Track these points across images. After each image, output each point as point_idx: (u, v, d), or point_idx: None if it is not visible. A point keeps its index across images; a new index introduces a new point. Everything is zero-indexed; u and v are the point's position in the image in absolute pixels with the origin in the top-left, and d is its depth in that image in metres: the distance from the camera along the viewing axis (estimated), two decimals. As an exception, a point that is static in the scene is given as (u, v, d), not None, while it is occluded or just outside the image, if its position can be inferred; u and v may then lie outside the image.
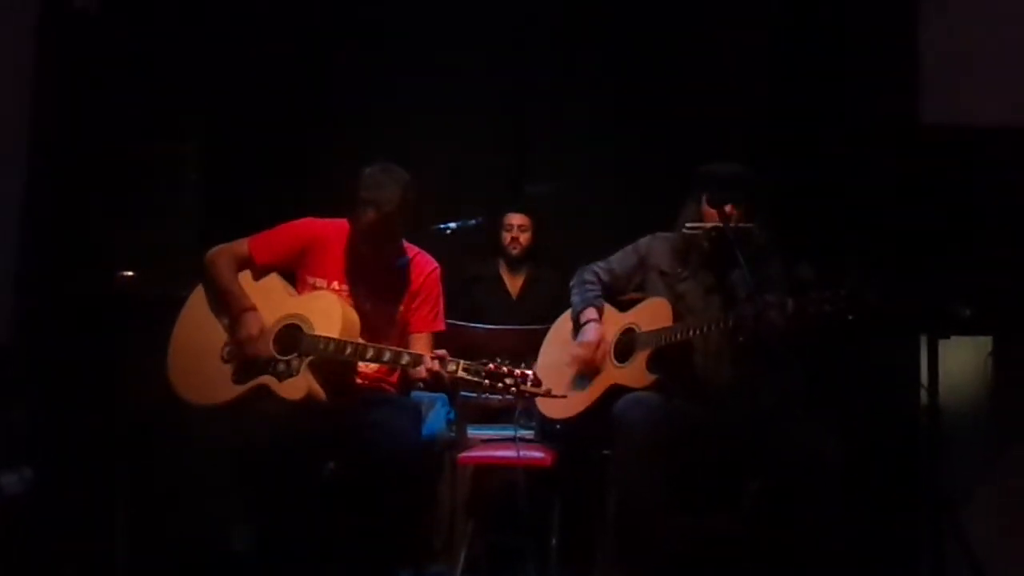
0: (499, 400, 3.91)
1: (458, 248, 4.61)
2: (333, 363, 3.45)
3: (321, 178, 4.49)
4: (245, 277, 3.61)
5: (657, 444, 3.41)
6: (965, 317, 3.82)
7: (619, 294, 3.82)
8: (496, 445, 4.01)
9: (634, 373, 3.60)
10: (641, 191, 4.76)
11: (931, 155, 4.12)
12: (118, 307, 4.15)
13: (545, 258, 4.92)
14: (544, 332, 3.95)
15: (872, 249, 4.25)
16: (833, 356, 4.14)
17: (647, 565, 3.44)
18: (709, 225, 3.60)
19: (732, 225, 3.54)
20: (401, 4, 5.07)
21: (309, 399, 3.39)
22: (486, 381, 3.28)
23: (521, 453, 3.77)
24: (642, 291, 3.77)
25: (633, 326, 3.68)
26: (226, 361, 3.52)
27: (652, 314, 3.65)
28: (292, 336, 3.47)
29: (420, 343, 3.58)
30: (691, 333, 3.52)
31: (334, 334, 3.42)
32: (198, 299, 3.64)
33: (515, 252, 4.89)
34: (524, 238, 4.89)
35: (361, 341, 3.45)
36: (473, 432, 4.14)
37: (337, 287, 3.59)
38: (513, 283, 4.93)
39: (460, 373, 3.31)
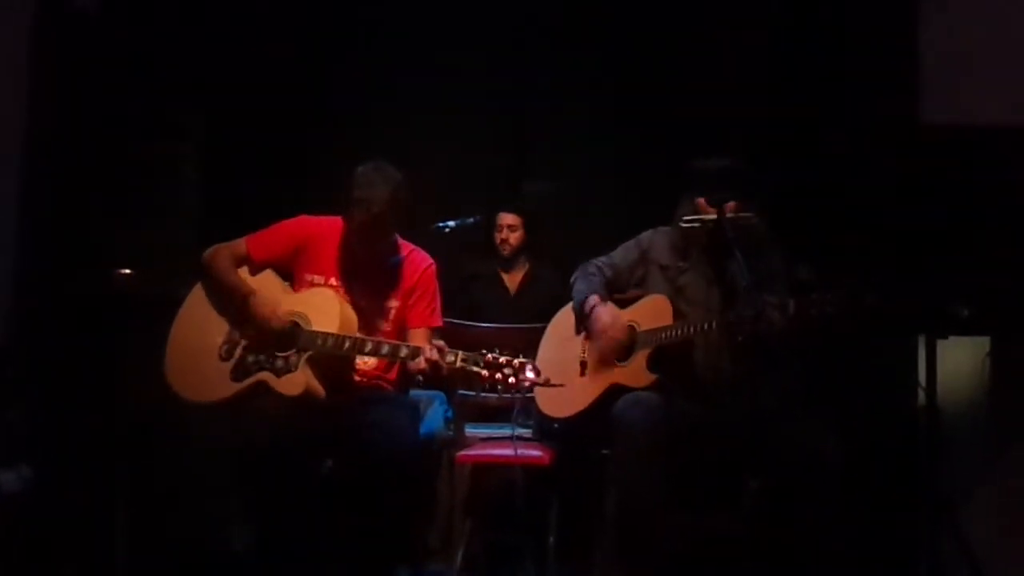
0: (497, 398, 3.91)
1: (457, 246, 4.61)
2: (331, 359, 3.45)
3: (321, 178, 4.45)
4: (243, 273, 3.61)
5: (657, 444, 3.41)
6: (963, 317, 3.82)
7: (621, 290, 3.80)
8: (494, 444, 4.00)
9: (634, 372, 3.60)
10: (641, 191, 4.75)
11: (931, 155, 4.13)
12: (117, 306, 4.15)
13: (544, 257, 4.92)
14: (543, 330, 3.94)
15: (872, 249, 4.25)
16: (833, 356, 4.14)
17: (646, 564, 3.44)
18: (707, 217, 3.59)
19: (730, 216, 3.53)
20: (401, 4, 5.07)
21: (307, 395, 3.40)
22: (484, 371, 3.28)
23: (519, 452, 3.76)
24: (643, 285, 3.76)
25: (633, 324, 3.67)
26: (224, 359, 3.52)
27: (652, 312, 3.65)
28: (290, 332, 3.47)
29: (418, 339, 3.58)
30: (691, 331, 3.52)
31: (332, 330, 3.43)
32: (196, 298, 3.64)
33: (505, 252, 4.89)
34: (514, 238, 4.88)
35: (359, 336, 3.45)
36: (471, 431, 4.14)
37: (333, 284, 3.60)
38: (511, 281, 4.92)
39: (459, 363, 3.32)
